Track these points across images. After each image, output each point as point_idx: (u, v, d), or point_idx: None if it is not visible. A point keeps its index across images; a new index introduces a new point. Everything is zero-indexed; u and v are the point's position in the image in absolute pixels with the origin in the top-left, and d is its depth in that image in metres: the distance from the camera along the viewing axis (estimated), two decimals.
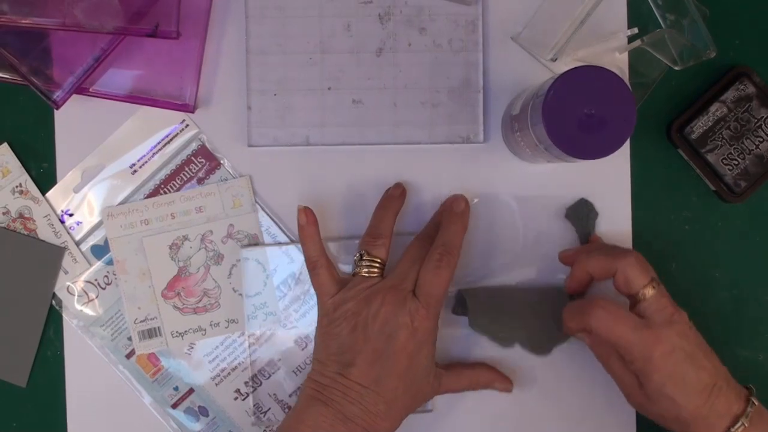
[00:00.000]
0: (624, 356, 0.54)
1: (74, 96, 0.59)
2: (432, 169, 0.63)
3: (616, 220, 0.63)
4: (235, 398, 0.63)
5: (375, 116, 0.62)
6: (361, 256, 0.57)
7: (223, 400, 0.62)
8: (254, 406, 0.62)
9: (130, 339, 0.62)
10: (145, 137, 0.62)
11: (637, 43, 0.60)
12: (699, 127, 0.62)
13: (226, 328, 0.62)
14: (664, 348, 0.52)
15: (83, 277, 0.62)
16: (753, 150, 0.62)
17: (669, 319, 0.53)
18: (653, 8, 0.62)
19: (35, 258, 0.62)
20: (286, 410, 0.62)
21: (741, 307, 0.64)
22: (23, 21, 0.56)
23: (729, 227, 0.64)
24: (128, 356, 0.62)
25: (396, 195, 0.60)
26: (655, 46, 0.61)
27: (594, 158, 0.51)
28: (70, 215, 0.62)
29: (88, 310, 0.62)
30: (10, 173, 0.62)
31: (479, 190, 0.63)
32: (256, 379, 0.62)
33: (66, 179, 0.62)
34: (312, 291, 0.59)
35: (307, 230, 0.58)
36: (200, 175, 0.62)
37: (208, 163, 0.62)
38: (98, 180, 0.62)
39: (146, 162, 0.62)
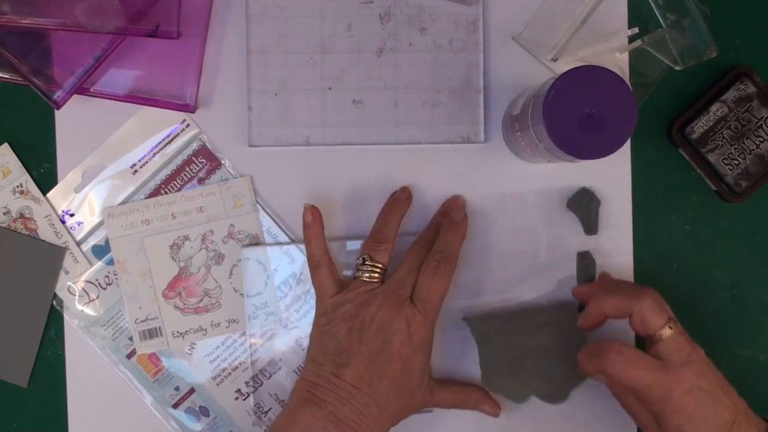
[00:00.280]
0: (641, 398, 0.53)
1: (75, 96, 0.59)
2: (432, 169, 0.63)
3: (616, 220, 0.63)
4: (236, 398, 0.63)
5: (375, 116, 0.62)
6: (364, 260, 0.57)
7: (224, 400, 0.62)
8: (255, 406, 0.62)
9: (131, 339, 0.62)
10: (146, 137, 0.62)
11: (638, 43, 0.60)
12: (700, 126, 0.62)
13: (227, 328, 0.62)
14: (683, 388, 0.51)
15: (84, 277, 0.62)
16: (754, 150, 0.62)
17: (687, 359, 0.52)
18: (654, 8, 0.62)
19: (36, 258, 0.62)
20: None
21: (742, 307, 0.64)
22: (24, 21, 0.56)
23: (730, 227, 0.64)
24: (129, 356, 0.62)
25: (402, 198, 0.60)
26: (656, 46, 0.61)
27: (595, 158, 0.51)
28: (71, 215, 0.62)
29: (89, 310, 0.62)
30: (10, 173, 0.62)
31: (480, 190, 0.63)
32: (257, 379, 0.62)
33: (67, 179, 0.62)
34: (313, 291, 0.59)
35: (313, 229, 0.58)
36: (201, 175, 0.62)
37: (208, 163, 0.62)
38: (99, 180, 0.62)
39: (147, 162, 0.62)
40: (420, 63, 0.62)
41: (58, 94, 0.58)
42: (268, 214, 0.62)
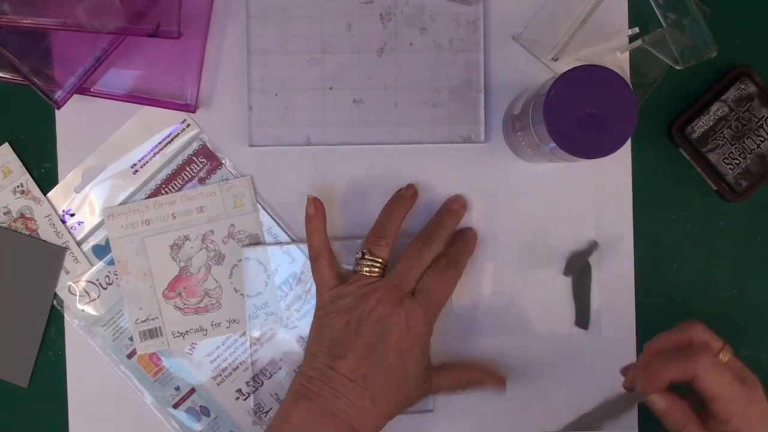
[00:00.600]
0: (719, 413, 0.50)
1: (75, 96, 0.59)
2: (433, 168, 0.63)
3: (617, 220, 0.63)
4: (237, 398, 0.63)
5: (376, 116, 0.62)
6: (363, 254, 0.57)
7: (225, 400, 0.62)
8: (255, 405, 0.62)
9: (131, 339, 0.62)
10: (146, 137, 0.62)
11: (638, 42, 0.60)
12: (700, 126, 0.62)
13: (227, 328, 0.62)
14: (760, 409, 0.50)
15: (85, 277, 0.62)
16: (754, 149, 0.62)
17: (754, 379, 0.51)
18: (654, 8, 0.62)
19: (36, 258, 0.62)
20: None
21: (742, 306, 0.64)
22: (24, 21, 0.56)
23: (730, 227, 0.64)
24: (129, 356, 0.62)
25: (408, 196, 0.60)
26: (657, 46, 0.61)
27: (595, 157, 0.51)
28: (72, 215, 0.62)
29: (89, 310, 0.62)
30: (11, 173, 0.62)
31: (480, 190, 0.63)
32: (257, 379, 0.62)
33: (67, 179, 0.62)
34: (313, 291, 0.59)
35: (315, 222, 0.58)
36: (201, 175, 0.62)
37: (209, 163, 0.62)
38: (99, 180, 0.62)
39: (147, 162, 0.62)
40: (420, 63, 0.62)
41: (58, 94, 0.58)
42: (269, 214, 0.62)
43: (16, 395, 0.63)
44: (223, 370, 0.62)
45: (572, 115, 0.51)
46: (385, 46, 0.62)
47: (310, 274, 0.61)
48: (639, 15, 0.62)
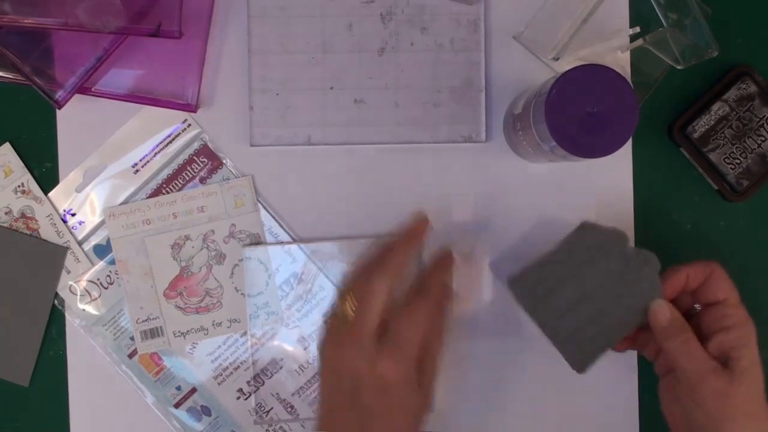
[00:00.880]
0: (725, 319, 0.53)
1: (76, 96, 0.59)
2: (434, 168, 0.63)
3: (618, 220, 0.63)
4: (238, 398, 0.63)
5: (377, 116, 0.62)
6: (342, 293, 0.50)
7: (226, 400, 0.63)
8: (257, 405, 0.62)
9: (132, 339, 0.62)
10: (147, 137, 0.62)
11: (639, 42, 0.60)
12: (701, 126, 0.62)
13: (228, 327, 0.62)
14: (743, 410, 0.51)
15: (86, 277, 0.62)
16: (755, 149, 0.62)
17: (753, 364, 0.53)
18: (655, 7, 0.62)
19: (38, 258, 0.62)
20: (289, 409, 0.62)
21: (744, 306, 0.64)
22: (25, 21, 0.56)
23: (731, 226, 0.64)
24: (131, 356, 0.62)
25: (420, 231, 0.53)
26: (657, 45, 0.61)
27: (596, 157, 0.51)
28: (73, 215, 0.62)
29: (90, 310, 0.62)
30: (12, 173, 0.62)
31: (481, 189, 0.63)
32: (258, 379, 0.62)
33: (68, 179, 0.62)
34: (314, 290, 0.59)
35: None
36: (202, 174, 0.62)
37: (210, 163, 0.62)
38: (100, 180, 0.62)
39: (148, 162, 0.62)
40: (421, 62, 0.62)
41: (59, 94, 0.58)
42: (270, 214, 0.62)
43: (17, 395, 0.63)
44: (224, 369, 0.63)
45: (573, 114, 0.51)
46: (385, 46, 0.62)
47: (311, 273, 0.61)
48: (640, 14, 0.62)
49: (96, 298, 0.62)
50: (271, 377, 0.62)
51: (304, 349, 0.62)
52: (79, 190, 0.62)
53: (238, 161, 0.62)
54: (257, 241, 0.62)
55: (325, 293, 0.62)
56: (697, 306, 0.56)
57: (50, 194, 0.62)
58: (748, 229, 0.64)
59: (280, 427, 0.63)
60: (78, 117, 0.62)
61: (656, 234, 0.63)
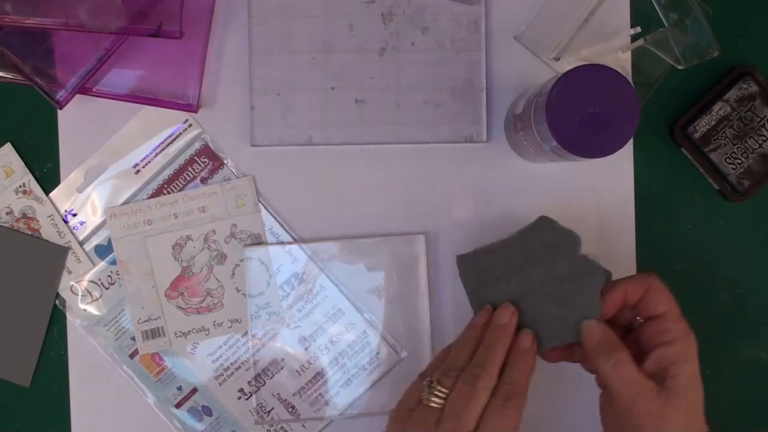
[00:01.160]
0: (664, 334, 0.51)
1: (77, 96, 0.59)
2: (435, 168, 0.63)
3: (619, 220, 0.63)
4: (239, 398, 0.63)
5: (378, 116, 0.62)
6: (431, 383, 0.51)
7: (227, 400, 0.63)
8: (257, 405, 0.62)
9: (133, 339, 0.62)
10: (149, 137, 0.62)
11: (640, 42, 0.60)
12: (702, 126, 0.62)
13: (229, 327, 0.62)
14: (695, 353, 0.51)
15: (87, 277, 0.62)
16: (756, 149, 0.62)
17: (691, 380, 0.51)
18: (656, 7, 0.62)
19: (39, 258, 0.62)
20: (290, 410, 0.62)
21: (744, 306, 0.64)
22: (26, 21, 0.56)
23: (732, 226, 0.64)
24: (132, 356, 0.62)
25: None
26: (658, 45, 0.61)
27: (597, 157, 0.51)
28: (74, 215, 0.62)
29: (91, 310, 0.62)
30: (13, 173, 0.62)
31: (482, 189, 0.63)
32: (259, 379, 0.62)
33: (69, 179, 0.62)
34: (315, 290, 0.59)
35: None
36: (203, 174, 0.62)
37: (211, 163, 0.62)
38: (102, 180, 0.62)
39: (149, 162, 0.62)
40: (422, 62, 0.62)
41: (60, 94, 0.58)
42: (271, 214, 0.62)
43: (18, 395, 0.63)
44: (225, 369, 0.63)
45: (574, 114, 0.51)
46: (386, 46, 0.62)
47: (312, 273, 0.61)
48: (641, 14, 0.62)
49: (97, 299, 0.62)
50: (272, 377, 0.62)
51: (305, 349, 0.62)
52: (80, 190, 0.62)
53: (239, 161, 0.62)
54: (258, 241, 0.62)
55: (326, 293, 0.62)
56: (639, 318, 0.54)
57: (51, 194, 0.62)
58: (748, 229, 0.64)
59: (281, 428, 0.63)
60: (79, 117, 0.62)
61: (657, 234, 0.63)
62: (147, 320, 0.62)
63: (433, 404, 0.50)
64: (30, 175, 0.62)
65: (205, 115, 0.62)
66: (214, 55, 0.62)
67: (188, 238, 0.62)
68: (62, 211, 0.62)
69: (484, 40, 0.62)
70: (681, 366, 0.49)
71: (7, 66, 0.59)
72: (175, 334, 0.62)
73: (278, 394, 0.62)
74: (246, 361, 0.62)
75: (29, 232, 0.62)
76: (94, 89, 0.60)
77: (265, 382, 0.62)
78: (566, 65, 0.61)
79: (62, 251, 0.62)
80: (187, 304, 0.62)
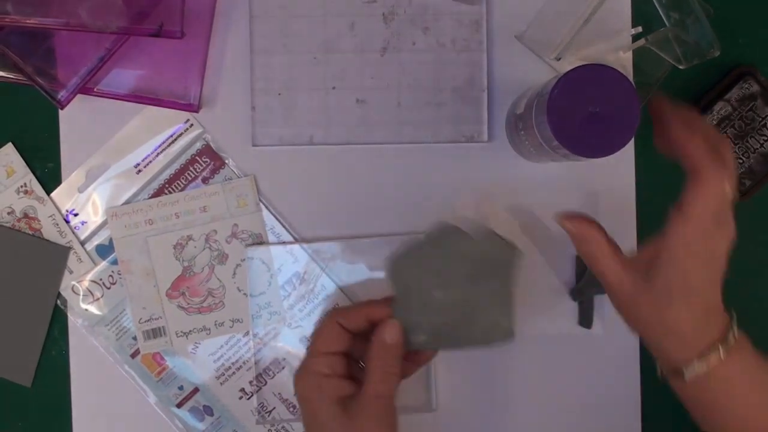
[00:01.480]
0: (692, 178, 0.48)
1: (79, 96, 0.59)
2: (436, 168, 0.63)
3: (620, 220, 0.63)
4: (240, 397, 0.63)
5: (379, 116, 0.62)
6: None
7: (228, 400, 0.63)
8: (259, 405, 0.62)
9: (134, 338, 0.62)
10: (150, 137, 0.62)
11: (641, 42, 0.60)
12: None
13: (230, 327, 0.62)
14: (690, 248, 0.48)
15: (88, 277, 0.62)
16: (757, 149, 0.62)
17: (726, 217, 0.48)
18: (657, 7, 0.62)
19: (40, 258, 0.62)
20: (291, 409, 0.62)
21: (746, 306, 0.63)
22: (27, 21, 0.56)
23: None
24: (133, 355, 0.62)
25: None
26: (659, 45, 0.61)
27: (598, 156, 0.51)
28: (75, 215, 0.62)
29: (92, 310, 0.62)
30: (14, 173, 0.62)
31: (483, 189, 0.63)
32: (260, 379, 0.62)
33: (71, 179, 0.62)
34: (316, 290, 0.59)
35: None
36: (205, 174, 0.62)
37: (212, 163, 0.62)
38: (103, 180, 0.62)
39: (151, 161, 0.62)
40: (423, 62, 0.62)
41: (61, 94, 0.58)
42: (272, 214, 0.62)
43: (19, 395, 0.63)
44: (227, 369, 0.63)
45: (575, 114, 0.51)
46: (388, 46, 0.62)
47: (313, 273, 0.61)
48: (642, 14, 0.62)
49: (98, 298, 0.62)
50: (273, 377, 0.63)
51: (307, 348, 0.62)
52: (81, 190, 0.62)
53: (240, 161, 0.62)
54: (259, 241, 0.62)
55: (327, 293, 0.62)
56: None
57: (53, 194, 0.62)
58: (750, 229, 0.64)
59: (282, 427, 0.63)
60: (80, 117, 0.62)
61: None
62: (148, 320, 0.62)
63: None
64: (31, 175, 0.62)
65: (207, 115, 0.62)
66: (215, 55, 0.62)
67: (189, 237, 0.62)
68: (63, 211, 0.62)
69: (486, 39, 0.62)
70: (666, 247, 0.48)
71: (9, 66, 0.59)
72: (177, 334, 0.62)
73: (279, 393, 0.62)
74: (247, 361, 0.62)
75: (30, 232, 0.62)
76: (95, 89, 0.60)
77: (266, 382, 0.63)
78: (567, 65, 0.61)
79: (63, 251, 0.62)
80: (188, 303, 0.62)
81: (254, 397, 0.62)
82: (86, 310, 0.62)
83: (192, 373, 0.63)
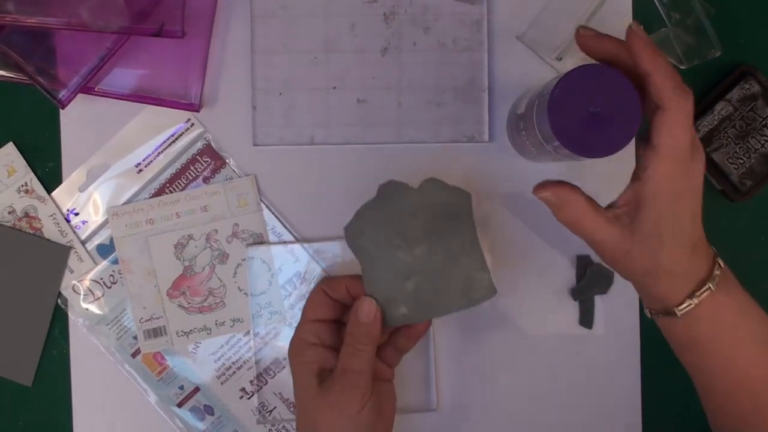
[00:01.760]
0: (652, 97, 0.46)
1: (80, 95, 0.59)
2: (437, 168, 0.62)
3: None
4: (241, 397, 0.63)
5: (380, 116, 0.62)
6: None
7: (229, 399, 0.63)
8: (259, 404, 0.62)
9: (135, 338, 0.62)
10: (151, 136, 0.62)
11: None
12: (704, 126, 0.62)
13: (231, 327, 0.62)
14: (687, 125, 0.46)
15: (89, 276, 0.62)
16: (758, 149, 0.62)
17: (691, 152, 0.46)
18: (658, 7, 0.62)
19: (41, 257, 0.62)
20: (291, 409, 0.62)
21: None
22: (29, 20, 0.56)
23: (734, 226, 0.64)
24: (134, 355, 0.62)
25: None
26: (660, 45, 0.61)
27: (599, 156, 0.51)
28: (76, 214, 0.62)
29: (93, 309, 0.62)
30: (15, 172, 0.62)
31: (484, 189, 0.63)
32: (261, 378, 0.62)
33: (71, 178, 0.62)
34: None
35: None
36: (205, 174, 0.62)
37: (213, 163, 0.62)
38: (104, 179, 0.62)
39: (151, 161, 0.62)
40: (424, 62, 0.62)
41: (62, 94, 0.58)
42: (273, 213, 0.62)
43: (20, 394, 0.63)
44: (227, 369, 0.63)
45: (576, 114, 0.51)
46: (388, 46, 0.62)
47: (314, 273, 0.61)
48: (643, 14, 0.62)
49: (99, 298, 0.62)
50: (273, 377, 0.63)
51: None
52: (82, 189, 0.62)
53: (241, 161, 0.62)
54: (260, 241, 0.62)
55: None
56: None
57: (53, 194, 0.62)
58: (751, 229, 0.64)
59: (283, 427, 0.63)
60: (81, 116, 0.62)
61: None
62: (149, 319, 0.62)
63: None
64: (32, 174, 0.62)
65: (207, 115, 0.62)
66: (216, 54, 0.62)
67: (190, 237, 0.62)
68: (64, 211, 0.62)
69: (487, 39, 0.62)
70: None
71: (10, 65, 0.59)
72: (177, 334, 0.62)
73: (280, 393, 0.63)
74: (248, 361, 0.62)
75: (31, 232, 0.62)
76: (96, 89, 0.60)
77: (266, 382, 0.63)
78: (568, 65, 0.61)
79: (64, 250, 0.62)
80: (188, 303, 0.62)
81: (255, 397, 0.62)
82: (87, 309, 0.62)
83: (192, 373, 0.63)
